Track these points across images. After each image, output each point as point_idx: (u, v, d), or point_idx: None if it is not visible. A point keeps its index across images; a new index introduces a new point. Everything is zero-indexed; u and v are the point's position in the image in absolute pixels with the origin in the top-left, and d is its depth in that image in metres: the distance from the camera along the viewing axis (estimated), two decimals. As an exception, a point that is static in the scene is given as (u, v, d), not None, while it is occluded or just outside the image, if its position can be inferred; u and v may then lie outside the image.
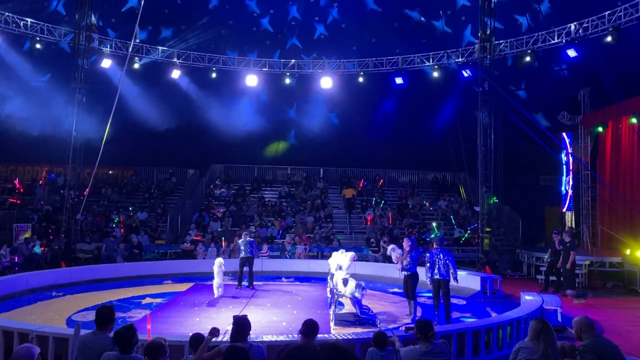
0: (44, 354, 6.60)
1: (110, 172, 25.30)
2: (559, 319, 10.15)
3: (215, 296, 12.44)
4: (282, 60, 23.34)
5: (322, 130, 24.37)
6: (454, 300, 10.41)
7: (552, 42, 18.85)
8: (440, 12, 22.73)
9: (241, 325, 5.12)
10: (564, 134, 20.55)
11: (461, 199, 24.36)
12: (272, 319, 10.40)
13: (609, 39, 16.80)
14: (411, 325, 5.95)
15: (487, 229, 17.88)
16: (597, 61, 16.11)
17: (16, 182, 22.87)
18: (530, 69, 20.02)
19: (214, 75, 22.51)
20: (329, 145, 24.38)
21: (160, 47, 22.26)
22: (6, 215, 19.96)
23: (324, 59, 23.77)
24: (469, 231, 20.50)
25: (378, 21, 23.42)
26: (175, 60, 22.18)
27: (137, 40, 20.90)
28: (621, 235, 17.04)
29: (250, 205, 23.02)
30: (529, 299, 10.57)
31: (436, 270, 10.07)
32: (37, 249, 16.82)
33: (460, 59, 21.05)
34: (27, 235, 17.48)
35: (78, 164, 18.15)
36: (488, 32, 18.15)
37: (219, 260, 12.82)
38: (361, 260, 16.88)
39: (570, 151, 20.40)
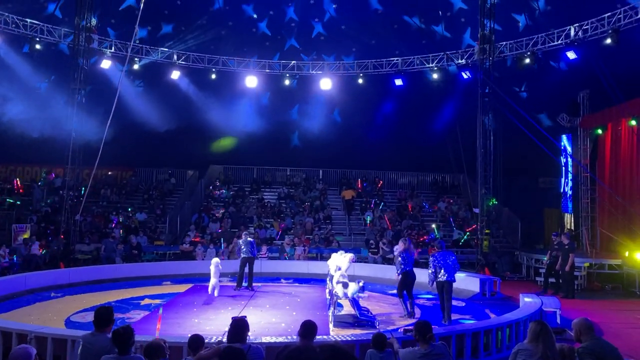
0: (42, 355, 6.60)
1: (109, 172, 25.26)
2: (558, 321, 10.15)
3: (211, 293, 12.50)
4: (281, 61, 23.34)
5: (322, 131, 24.30)
6: (452, 302, 10.42)
7: (552, 44, 18.84)
8: (440, 12, 22.68)
9: (239, 326, 5.12)
10: (563, 136, 20.57)
11: (460, 200, 24.35)
12: (271, 320, 10.40)
13: (608, 41, 16.79)
14: (410, 327, 5.95)
15: (487, 231, 17.87)
16: (597, 63, 16.15)
17: (16, 182, 22.84)
18: (529, 70, 20.00)
19: (213, 76, 22.47)
20: (328, 146, 24.33)
21: (160, 48, 22.25)
22: (5, 215, 19.94)
23: (324, 57, 23.75)
24: (467, 233, 20.49)
25: (378, 23, 23.40)
26: (175, 61, 22.19)
27: (137, 41, 20.89)
28: (620, 238, 17.02)
29: (250, 207, 23.00)
30: (528, 301, 10.59)
31: (443, 272, 10.06)
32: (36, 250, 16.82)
33: (460, 61, 21.06)
34: (26, 236, 17.46)
35: (77, 165, 18.13)
36: (487, 32, 18.15)
37: (215, 260, 12.85)
38: (360, 262, 16.86)
39: (569, 153, 20.42)
